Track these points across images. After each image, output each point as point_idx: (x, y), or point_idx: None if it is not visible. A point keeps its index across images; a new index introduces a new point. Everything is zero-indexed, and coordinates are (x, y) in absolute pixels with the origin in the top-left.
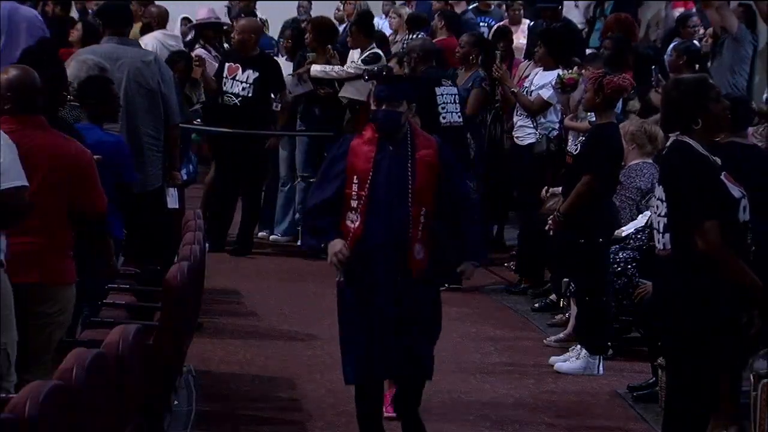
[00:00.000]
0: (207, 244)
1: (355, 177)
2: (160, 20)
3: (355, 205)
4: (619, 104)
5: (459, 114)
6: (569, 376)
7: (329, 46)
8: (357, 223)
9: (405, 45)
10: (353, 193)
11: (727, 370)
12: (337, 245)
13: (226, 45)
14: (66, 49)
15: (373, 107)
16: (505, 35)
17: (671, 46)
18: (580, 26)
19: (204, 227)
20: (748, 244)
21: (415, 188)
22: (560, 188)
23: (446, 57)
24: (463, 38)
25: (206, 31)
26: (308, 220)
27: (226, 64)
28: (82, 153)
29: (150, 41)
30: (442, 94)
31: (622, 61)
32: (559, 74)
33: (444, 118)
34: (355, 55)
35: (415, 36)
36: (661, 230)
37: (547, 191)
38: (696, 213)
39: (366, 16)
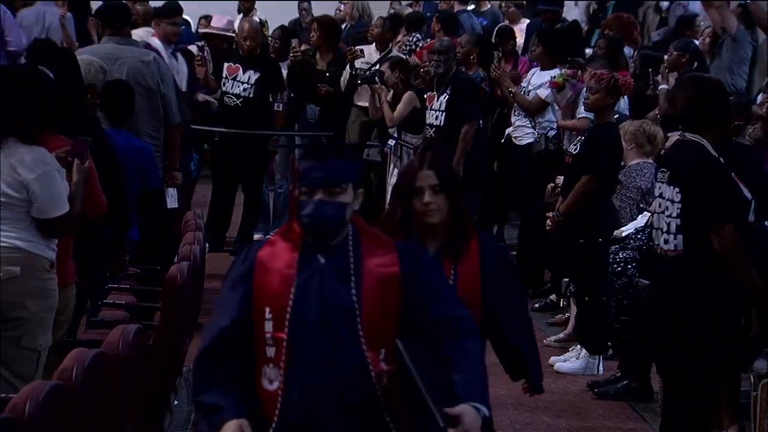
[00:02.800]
0: (207, 244)
1: (267, 309)
2: (146, 18)
3: (271, 355)
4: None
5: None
6: (569, 376)
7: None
8: (276, 384)
9: (405, 45)
10: (267, 335)
11: (727, 371)
12: (227, 430)
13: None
14: None
15: (298, 196)
16: (508, 35)
17: (671, 44)
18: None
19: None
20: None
21: (364, 321)
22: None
23: None
24: (463, 38)
25: (217, 41)
26: (195, 391)
27: (225, 64)
28: None
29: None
30: None
31: (616, 62)
32: (551, 75)
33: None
34: (371, 49)
35: (411, 36)
36: (673, 231)
37: (553, 189)
38: (714, 214)
39: (398, 18)
